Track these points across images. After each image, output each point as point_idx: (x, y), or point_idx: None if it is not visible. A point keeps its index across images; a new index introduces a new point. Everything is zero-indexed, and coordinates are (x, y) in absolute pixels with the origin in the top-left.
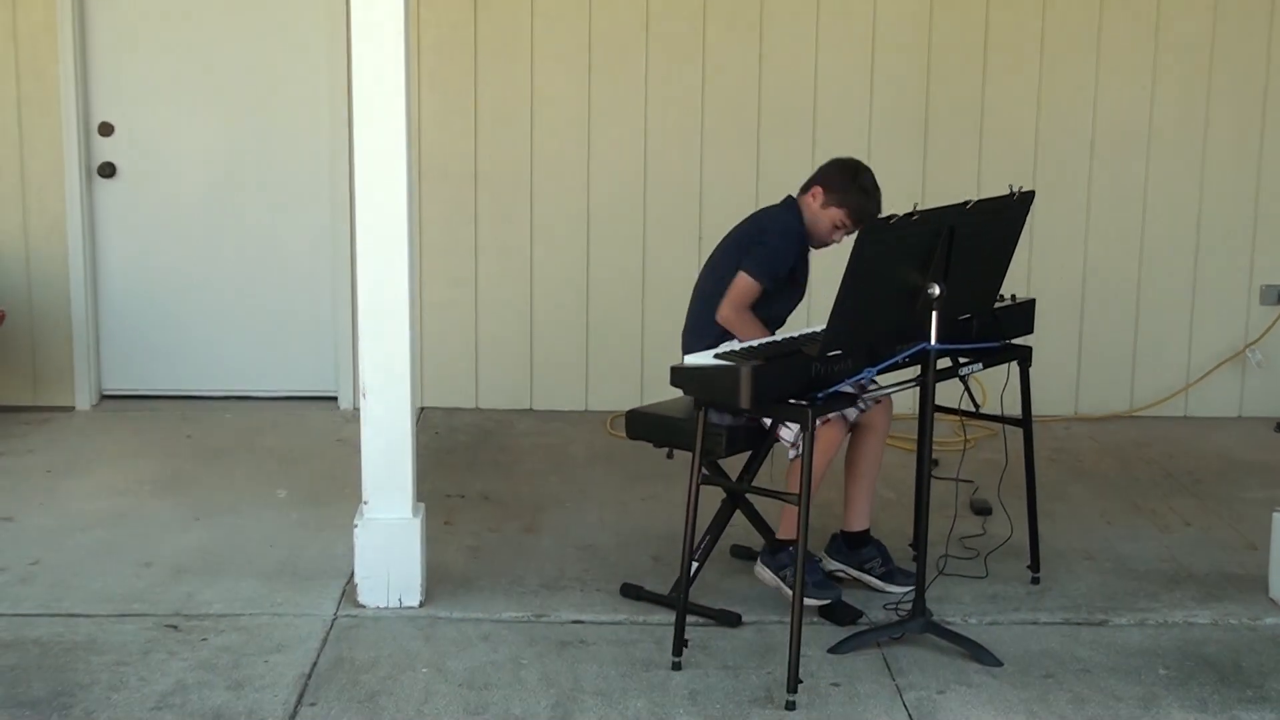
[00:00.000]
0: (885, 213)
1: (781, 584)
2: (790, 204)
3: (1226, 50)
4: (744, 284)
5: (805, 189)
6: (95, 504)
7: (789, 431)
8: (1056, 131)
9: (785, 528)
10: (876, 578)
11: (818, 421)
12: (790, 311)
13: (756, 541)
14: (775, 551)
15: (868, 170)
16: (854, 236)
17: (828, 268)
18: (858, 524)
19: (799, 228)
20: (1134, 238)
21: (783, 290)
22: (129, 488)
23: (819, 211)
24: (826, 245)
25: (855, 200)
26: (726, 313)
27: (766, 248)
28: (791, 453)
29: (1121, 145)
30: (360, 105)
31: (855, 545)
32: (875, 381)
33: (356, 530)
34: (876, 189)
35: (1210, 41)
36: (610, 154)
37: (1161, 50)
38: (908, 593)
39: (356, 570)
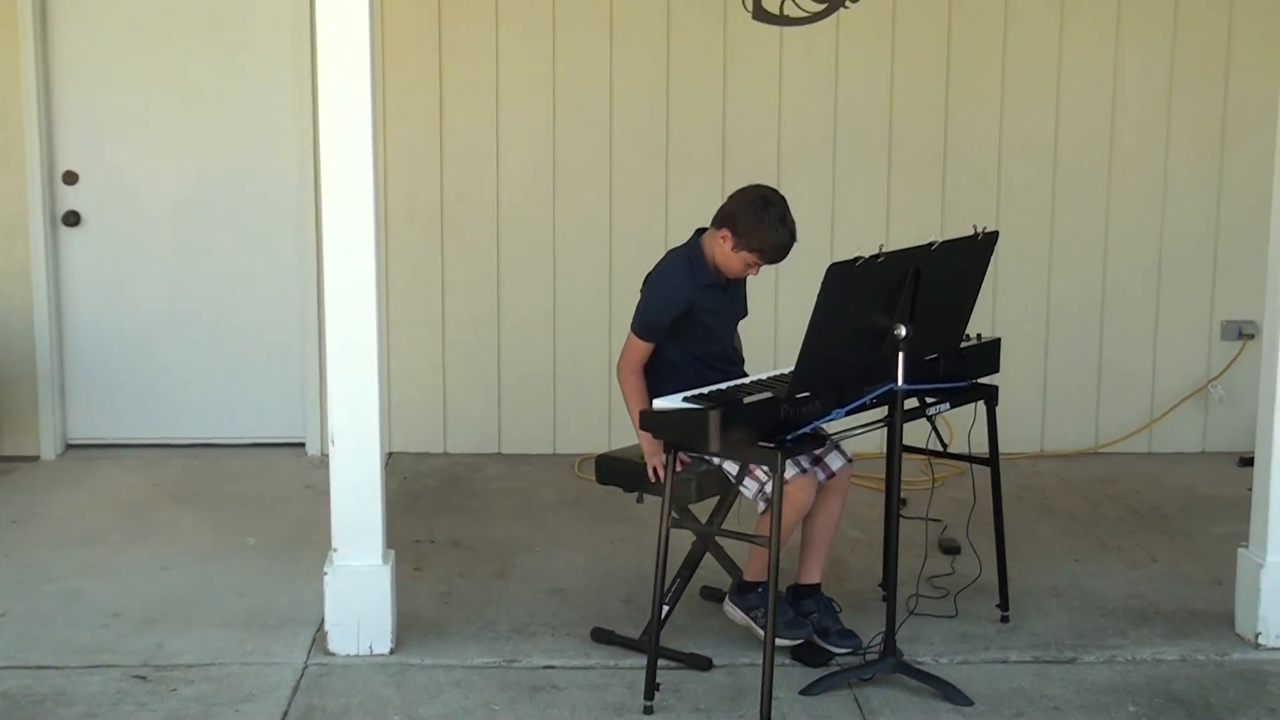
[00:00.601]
0: (852, 255)
1: (752, 624)
2: (693, 244)
3: (1184, 85)
4: (629, 342)
5: (716, 225)
6: (62, 554)
7: (750, 486)
8: (1019, 170)
9: (754, 568)
10: (804, 637)
11: (785, 479)
12: (722, 346)
13: (726, 582)
14: (744, 591)
15: (775, 200)
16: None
17: (794, 305)
18: (807, 578)
19: (684, 271)
20: (1096, 275)
21: (691, 333)
22: (96, 537)
23: (730, 254)
24: (745, 276)
25: (765, 240)
26: (620, 368)
27: (642, 303)
28: (761, 506)
29: (1083, 182)
30: (328, 147)
31: (801, 597)
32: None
33: (326, 577)
34: (787, 220)
35: (1169, 76)
36: (576, 193)
37: (1121, 85)
38: (845, 654)
39: (327, 617)
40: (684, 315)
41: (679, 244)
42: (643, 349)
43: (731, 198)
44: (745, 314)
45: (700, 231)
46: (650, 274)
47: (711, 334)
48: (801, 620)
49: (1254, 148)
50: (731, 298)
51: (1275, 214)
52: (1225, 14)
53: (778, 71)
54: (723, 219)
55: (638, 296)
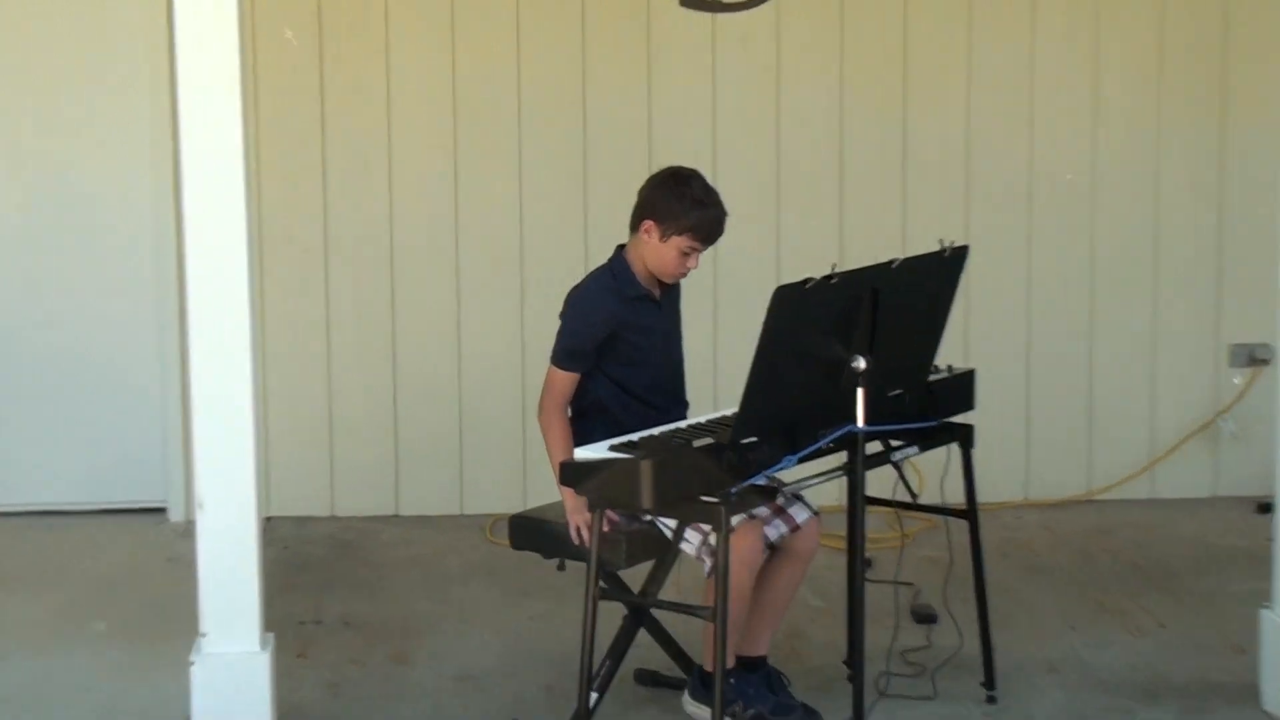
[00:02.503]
0: (802, 276)
1: None
2: (615, 258)
3: (1176, 76)
4: (549, 376)
5: (635, 225)
6: None
7: (691, 541)
8: (990, 177)
9: (711, 651)
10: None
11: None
12: (658, 373)
13: (664, 663)
14: (709, 684)
15: (693, 174)
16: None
17: (736, 337)
18: (750, 649)
19: (606, 285)
20: (1082, 294)
21: (620, 360)
22: None
23: (661, 246)
24: (684, 275)
25: (694, 217)
26: (542, 407)
27: (561, 327)
28: (706, 564)
29: (1063, 189)
30: (189, 157)
31: (746, 670)
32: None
33: (193, 668)
34: (710, 191)
35: (1158, 67)
36: (482, 211)
37: (1103, 80)
38: None
39: (194, 716)
40: (610, 337)
41: (597, 266)
42: (566, 382)
43: (641, 190)
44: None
45: (621, 248)
46: (570, 294)
47: (645, 358)
48: (792, 704)
49: (1260, 144)
50: (666, 313)
51: None
52: None
53: (710, 72)
54: (641, 211)
55: (553, 326)
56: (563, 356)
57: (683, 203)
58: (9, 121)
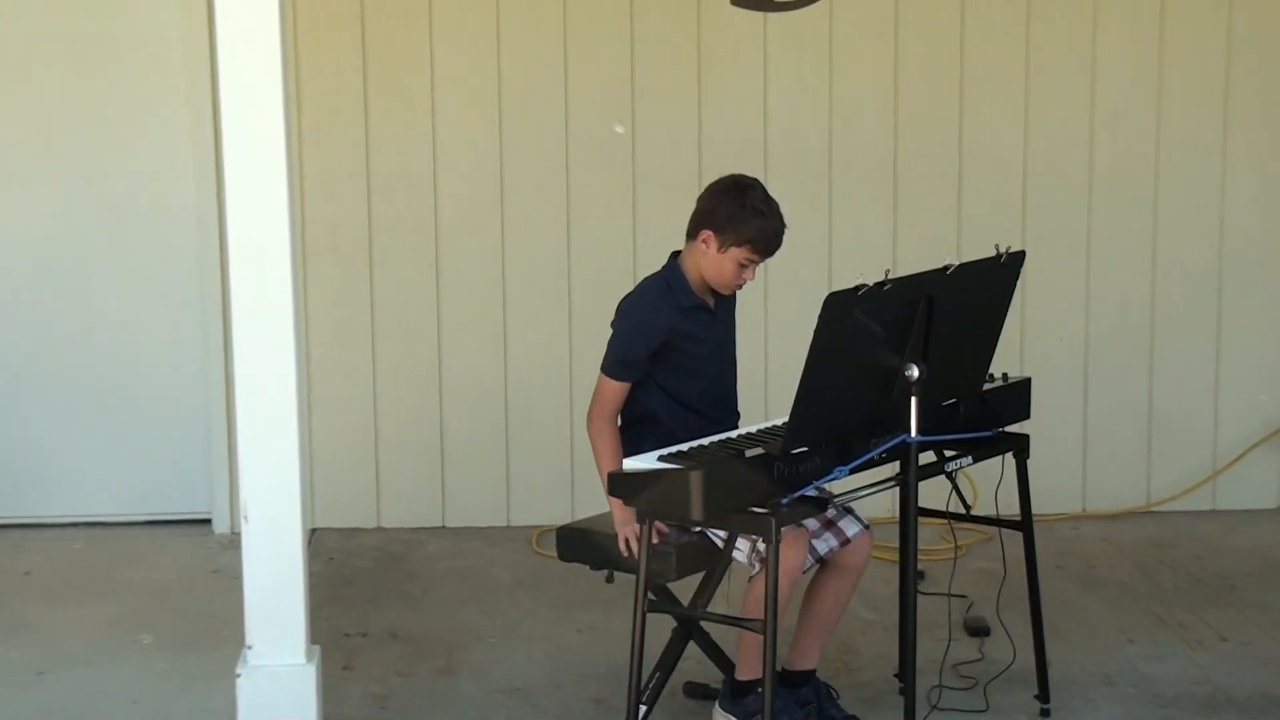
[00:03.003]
0: (854, 282)
1: None
2: (669, 266)
3: (1244, 67)
4: (599, 385)
5: (693, 234)
6: None
7: (742, 549)
8: (1048, 178)
9: (746, 664)
10: None
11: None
12: (710, 384)
13: (713, 676)
14: (739, 694)
15: (754, 184)
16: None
17: (787, 345)
18: (800, 662)
19: (661, 293)
20: (1143, 299)
21: (672, 370)
22: None
23: (719, 257)
24: (740, 287)
25: (755, 229)
26: (590, 417)
27: (613, 336)
28: (755, 568)
29: (1124, 189)
30: (233, 168)
31: (792, 685)
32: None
33: (239, 680)
34: (770, 202)
35: (1225, 58)
36: (528, 219)
37: (1167, 76)
38: None
39: None
40: (663, 347)
41: (650, 274)
42: (617, 392)
43: (700, 198)
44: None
45: (675, 255)
46: (622, 302)
47: (698, 368)
48: (841, 718)
49: None
50: (721, 323)
51: None
52: None
53: (762, 71)
54: (699, 220)
55: (606, 335)
56: (614, 366)
57: (744, 213)
58: (49, 129)
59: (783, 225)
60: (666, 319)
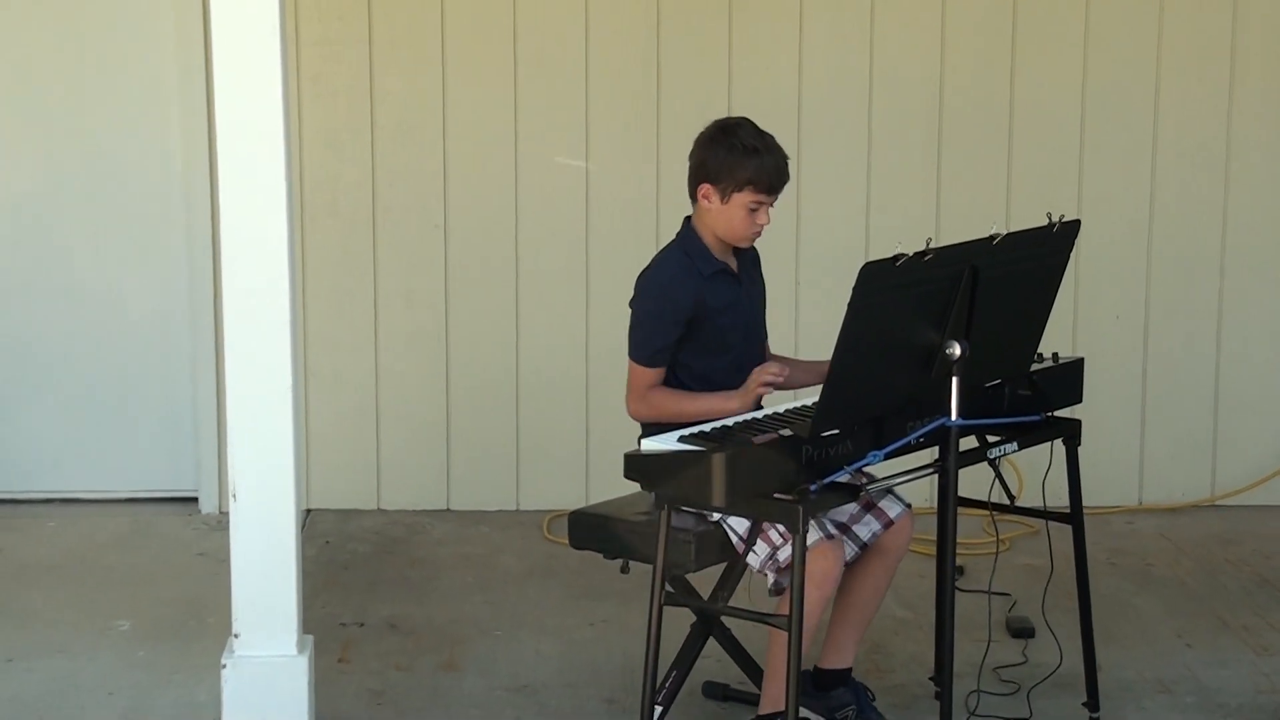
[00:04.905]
0: (893, 252)
1: None
2: (684, 232)
3: None
4: (633, 372)
5: (692, 194)
6: None
7: (760, 551)
8: (1107, 141)
9: (769, 695)
10: None
11: (807, 547)
12: (739, 355)
13: (734, 675)
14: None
15: (740, 122)
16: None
17: (818, 318)
18: (836, 660)
19: (681, 263)
20: (1210, 275)
21: (701, 344)
22: None
23: (724, 209)
24: (758, 234)
25: (751, 168)
26: (633, 408)
27: (636, 320)
28: (770, 580)
29: (1192, 154)
30: (225, 122)
31: (827, 686)
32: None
33: (225, 672)
34: (763, 135)
35: None
36: (544, 178)
37: (1240, 36)
38: None
39: None
40: (690, 321)
41: (666, 245)
42: (653, 378)
43: (690, 154)
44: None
45: (688, 220)
46: (640, 278)
47: (727, 341)
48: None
49: None
50: (745, 286)
51: None
52: None
53: (797, 21)
54: (695, 175)
55: (621, 307)
56: (646, 354)
57: (734, 154)
58: (17, 85)
59: (783, 157)
60: (690, 293)
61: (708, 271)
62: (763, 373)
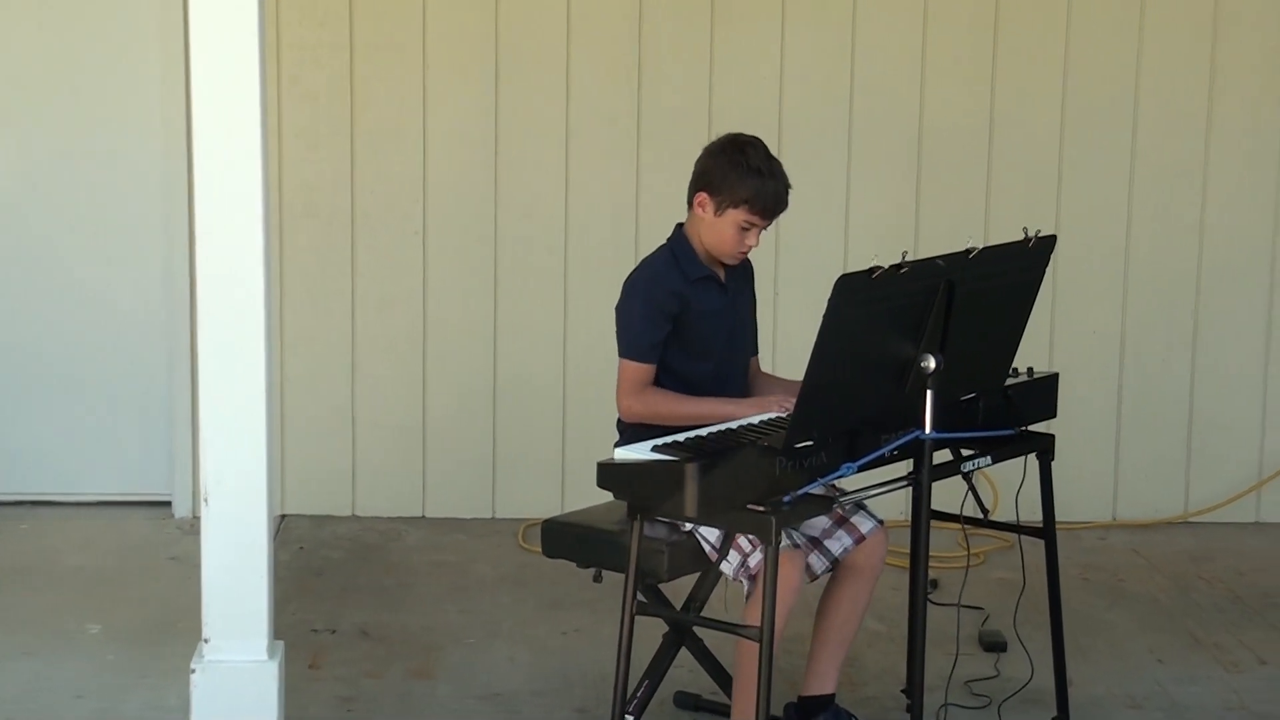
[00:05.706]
0: (868, 265)
1: None
2: (675, 237)
3: None
4: (624, 370)
5: (691, 199)
6: None
7: (731, 562)
8: (1085, 156)
9: (740, 705)
10: None
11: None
12: (717, 364)
13: (706, 685)
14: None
15: (752, 141)
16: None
17: (794, 329)
18: (817, 686)
19: (668, 262)
20: (1186, 291)
21: (682, 346)
22: None
23: (716, 222)
24: (744, 254)
25: (752, 188)
26: (626, 404)
27: (622, 324)
28: (745, 587)
29: (1169, 167)
30: (202, 122)
31: (809, 713)
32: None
33: (194, 676)
34: (771, 160)
35: (1278, 40)
36: (524, 183)
37: (1221, 50)
38: None
39: None
40: (677, 318)
41: (654, 250)
42: (645, 374)
43: (696, 161)
44: (755, 339)
45: (681, 227)
46: (627, 281)
47: (708, 347)
48: None
49: None
50: (732, 296)
51: None
52: None
53: (779, 32)
54: (695, 183)
55: (600, 314)
56: (637, 348)
57: (738, 171)
58: (16, 92)
59: (785, 185)
60: (675, 290)
61: (693, 275)
62: (780, 400)
